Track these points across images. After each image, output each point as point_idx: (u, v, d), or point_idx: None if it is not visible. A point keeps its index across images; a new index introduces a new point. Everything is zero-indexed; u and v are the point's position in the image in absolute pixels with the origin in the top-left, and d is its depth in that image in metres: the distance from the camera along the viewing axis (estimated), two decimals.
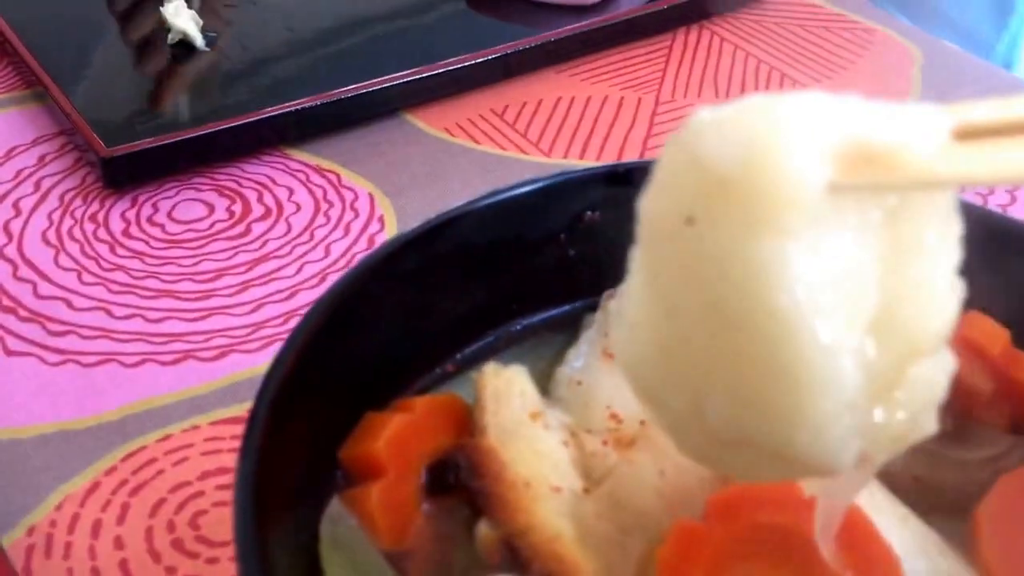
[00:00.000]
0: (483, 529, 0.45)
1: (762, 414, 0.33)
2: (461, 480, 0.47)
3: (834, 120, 0.31)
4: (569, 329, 0.56)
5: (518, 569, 0.44)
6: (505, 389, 0.49)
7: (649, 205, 0.35)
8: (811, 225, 0.31)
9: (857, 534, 0.41)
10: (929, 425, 0.36)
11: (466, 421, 0.50)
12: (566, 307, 0.57)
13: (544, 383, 0.53)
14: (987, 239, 0.49)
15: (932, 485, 0.49)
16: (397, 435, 0.47)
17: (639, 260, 0.36)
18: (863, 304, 0.33)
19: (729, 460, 0.36)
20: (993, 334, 0.51)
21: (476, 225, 0.54)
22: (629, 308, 0.36)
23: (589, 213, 0.56)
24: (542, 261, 0.57)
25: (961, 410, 0.51)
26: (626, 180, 0.56)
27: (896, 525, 0.45)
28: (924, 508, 0.47)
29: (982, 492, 0.48)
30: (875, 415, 0.34)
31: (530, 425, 0.48)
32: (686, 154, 0.32)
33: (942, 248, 0.35)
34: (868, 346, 0.33)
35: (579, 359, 0.53)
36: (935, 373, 0.35)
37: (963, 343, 0.48)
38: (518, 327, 0.57)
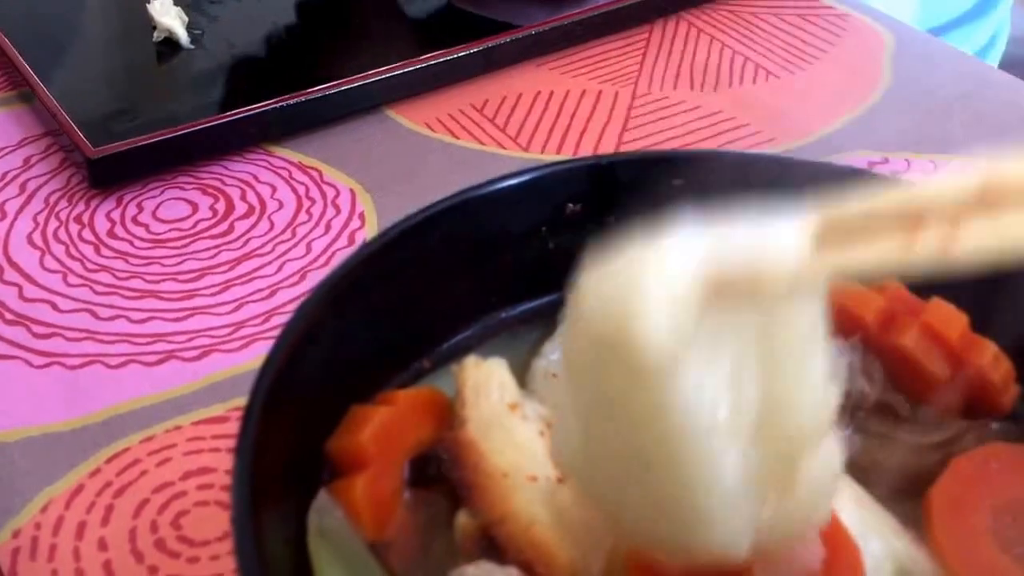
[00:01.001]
0: (462, 519, 0.46)
1: (666, 516, 0.38)
2: (442, 472, 0.48)
3: (693, 263, 0.34)
4: (546, 321, 0.57)
5: (495, 557, 0.45)
6: (485, 381, 0.50)
7: (565, 339, 0.40)
8: (685, 357, 0.35)
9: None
10: (824, 511, 0.41)
11: (447, 413, 0.51)
12: (544, 299, 0.58)
13: (522, 374, 0.54)
14: None
15: (887, 468, 0.50)
16: (381, 428, 0.48)
17: (564, 377, 0.40)
18: (743, 413, 0.37)
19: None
20: (952, 320, 0.52)
21: (462, 219, 0.54)
22: (563, 414, 0.41)
23: (571, 206, 0.57)
24: (523, 254, 0.57)
25: (917, 394, 0.52)
26: (610, 173, 0.56)
27: (853, 507, 0.46)
28: (879, 490, 0.48)
29: (935, 475, 0.49)
30: (768, 509, 0.38)
31: (509, 416, 0.49)
32: (576, 310, 0.37)
33: (810, 353, 0.38)
34: (751, 449, 0.37)
35: (555, 351, 0.54)
36: (822, 470, 0.40)
37: (923, 328, 0.49)
38: (497, 319, 0.58)
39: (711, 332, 0.35)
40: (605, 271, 0.36)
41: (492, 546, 0.45)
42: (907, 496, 0.49)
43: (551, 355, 0.54)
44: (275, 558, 0.42)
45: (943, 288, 0.51)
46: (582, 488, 0.42)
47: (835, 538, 0.42)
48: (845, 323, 0.50)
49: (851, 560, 0.43)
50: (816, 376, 0.38)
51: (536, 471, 0.48)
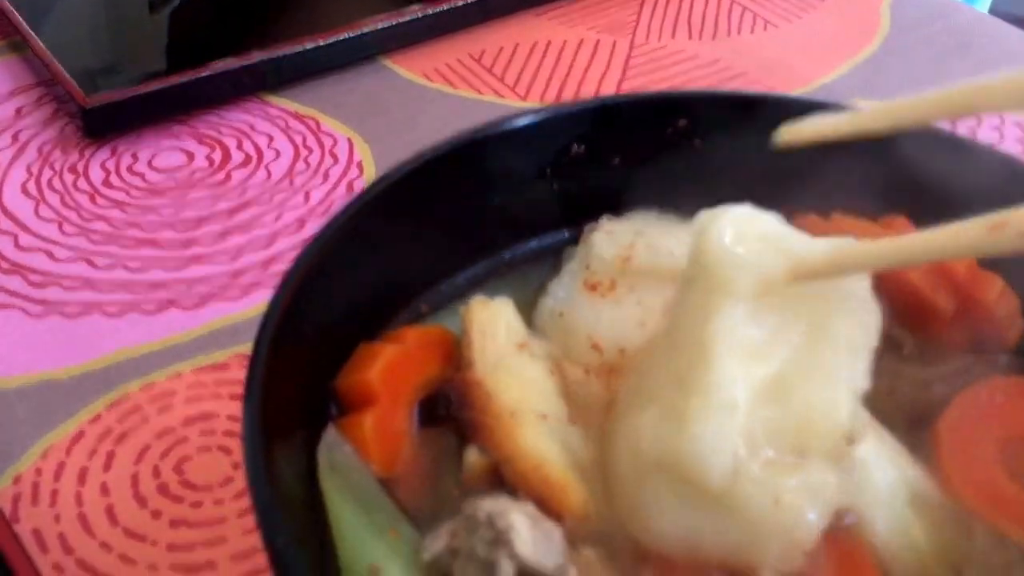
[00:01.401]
0: (471, 457, 0.46)
1: (673, 423, 0.42)
2: (451, 413, 0.47)
3: (770, 232, 0.45)
4: (551, 260, 0.57)
5: (505, 494, 0.44)
6: (492, 321, 0.50)
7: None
8: (745, 306, 0.43)
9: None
10: (813, 525, 0.42)
11: (454, 352, 0.50)
12: (548, 239, 0.58)
13: (527, 314, 0.53)
14: (956, 161, 0.50)
15: (895, 401, 0.50)
16: (389, 365, 0.48)
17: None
18: (764, 368, 0.43)
19: (647, 492, 0.43)
20: None
21: (467, 160, 0.54)
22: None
23: (576, 147, 0.56)
24: (527, 194, 0.57)
25: (923, 329, 0.52)
26: (615, 114, 0.56)
27: (873, 440, 0.46)
28: (888, 422, 0.48)
29: (942, 407, 0.49)
30: (756, 464, 0.42)
31: (516, 356, 0.49)
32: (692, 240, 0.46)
33: (840, 365, 0.44)
34: (761, 406, 0.42)
35: (561, 291, 0.53)
36: (824, 475, 0.42)
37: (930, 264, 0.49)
38: (501, 259, 0.58)
39: (769, 307, 0.43)
40: (715, 218, 0.45)
41: (501, 484, 0.45)
42: (915, 428, 0.49)
43: (557, 294, 0.53)
44: (287, 491, 0.42)
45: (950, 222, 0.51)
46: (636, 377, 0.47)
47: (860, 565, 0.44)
48: None
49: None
50: (840, 382, 0.43)
51: (546, 409, 0.47)
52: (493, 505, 0.40)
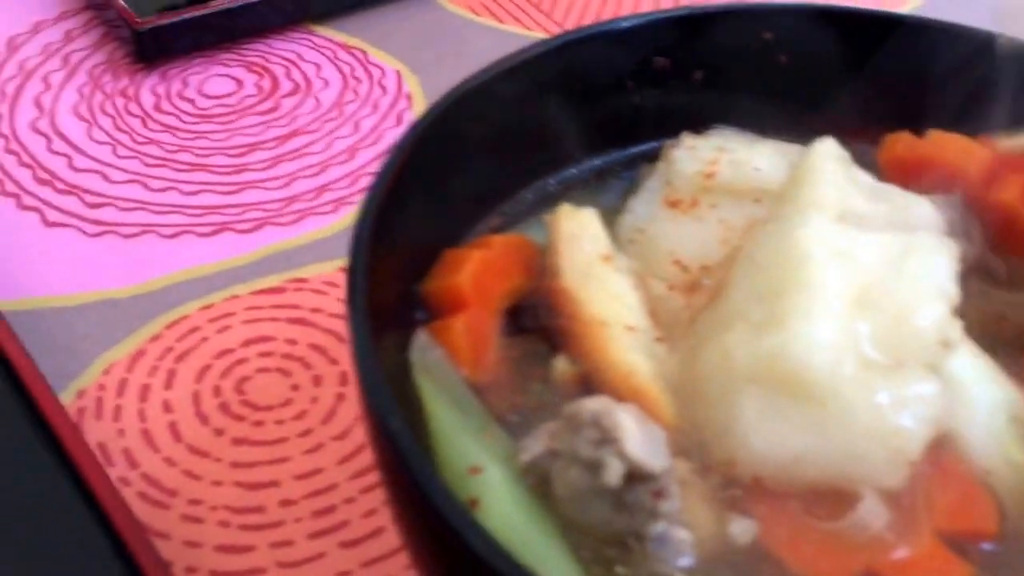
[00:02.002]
0: (560, 365, 0.46)
1: (768, 330, 0.42)
2: (538, 322, 0.47)
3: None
4: (627, 176, 0.56)
5: None
6: (578, 231, 0.49)
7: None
8: (836, 217, 0.45)
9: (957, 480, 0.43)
10: (916, 432, 0.41)
11: (537, 262, 0.50)
12: (626, 152, 0.57)
13: (607, 228, 0.52)
14: None
15: (991, 324, 0.49)
16: (478, 269, 0.47)
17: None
18: (858, 278, 0.43)
19: (740, 410, 0.42)
20: None
21: (548, 68, 0.53)
22: None
23: (659, 59, 0.56)
24: (606, 107, 0.56)
25: (1013, 247, 0.51)
26: (699, 26, 0.55)
27: (971, 359, 0.45)
28: (988, 346, 0.47)
29: None
30: (852, 365, 0.42)
31: (602, 267, 0.48)
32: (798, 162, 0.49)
33: (934, 271, 0.44)
34: (860, 316, 0.43)
35: (641, 208, 0.52)
36: (924, 382, 0.42)
37: None
38: (574, 173, 0.57)
39: (853, 225, 0.45)
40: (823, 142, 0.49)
41: (591, 393, 0.44)
42: (1014, 352, 0.48)
43: (638, 211, 0.52)
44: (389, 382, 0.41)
45: None
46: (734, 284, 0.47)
47: (962, 483, 0.43)
48: (947, 177, 0.49)
49: (978, 500, 0.43)
50: (931, 289, 0.44)
51: (634, 322, 0.47)
52: (597, 404, 0.39)
